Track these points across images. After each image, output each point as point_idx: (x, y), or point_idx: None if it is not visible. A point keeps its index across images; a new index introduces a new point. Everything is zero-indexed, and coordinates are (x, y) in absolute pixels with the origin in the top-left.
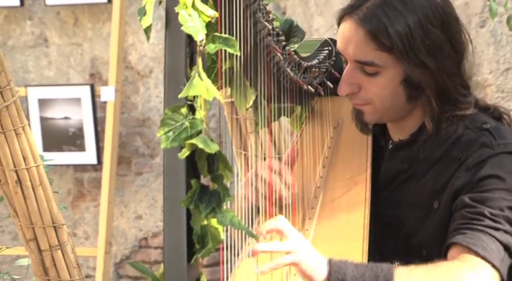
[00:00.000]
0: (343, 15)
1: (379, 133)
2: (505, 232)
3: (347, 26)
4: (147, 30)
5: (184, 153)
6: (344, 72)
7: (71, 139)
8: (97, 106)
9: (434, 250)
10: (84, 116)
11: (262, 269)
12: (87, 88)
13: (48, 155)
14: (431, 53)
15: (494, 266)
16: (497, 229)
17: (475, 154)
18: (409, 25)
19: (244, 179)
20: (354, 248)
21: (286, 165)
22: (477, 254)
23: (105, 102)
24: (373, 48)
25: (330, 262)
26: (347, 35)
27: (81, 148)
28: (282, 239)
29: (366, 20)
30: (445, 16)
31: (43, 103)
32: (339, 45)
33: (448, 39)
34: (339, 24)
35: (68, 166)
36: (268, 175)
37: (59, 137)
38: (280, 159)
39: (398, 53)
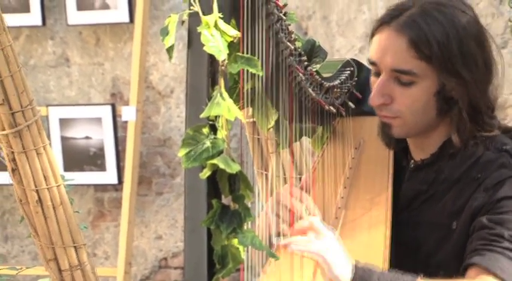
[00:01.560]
0: (380, 25)
1: (401, 153)
2: None
3: (385, 34)
4: (170, 50)
5: (206, 173)
6: (377, 82)
7: (91, 159)
8: (118, 126)
9: (452, 270)
10: (105, 136)
11: (291, 247)
12: (108, 108)
13: (69, 174)
14: (467, 65)
15: None
16: None
17: (493, 175)
18: (448, 35)
19: (265, 206)
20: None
21: (303, 188)
22: (495, 275)
23: (126, 122)
24: (413, 56)
25: (356, 267)
26: (385, 44)
27: (101, 167)
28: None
29: (407, 28)
30: (480, 30)
31: (64, 123)
32: (374, 55)
33: (482, 53)
34: (372, 35)
35: (88, 185)
36: (289, 201)
37: (80, 157)
38: (301, 179)
39: (437, 63)
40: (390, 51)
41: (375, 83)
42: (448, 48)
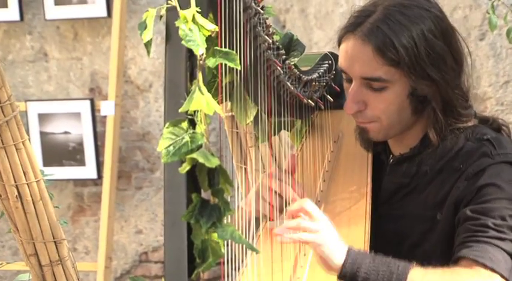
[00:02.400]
0: (345, 33)
1: (380, 147)
2: (511, 241)
3: (351, 43)
4: (148, 45)
5: (185, 167)
6: (350, 91)
7: (71, 154)
8: (97, 121)
9: (437, 261)
10: (84, 131)
11: (282, 235)
12: (87, 103)
13: (48, 169)
14: (436, 65)
15: (502, 276)
16: (502, 239)
17: (475, 164)
18: (413, 38)
19: (254, 189)
20: None
21: (286, 173)
22: (485, 266)
23: (105, 117)
24: (381, 63)
25: (349, 251)
26: (352, 53)
27: (81, 162)
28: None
29: (372, 36)
30: (446, 28)
31: (43, 118)
32: (342, 64)
33: (450, 50)
34: (339, 44)
35: (68, 180)
36: (278, 185)
37: (59, 152)
38: (279, 169)
39: (406, 67)
40: (357, 60)
41: (348, 89)
42: (415, 52)
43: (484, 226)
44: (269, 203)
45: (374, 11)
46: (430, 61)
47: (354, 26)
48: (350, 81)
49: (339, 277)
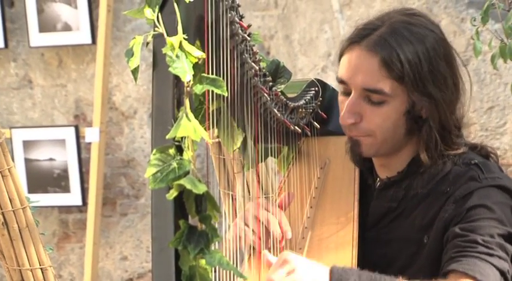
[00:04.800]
0: (350, 44)
1: (366, 171)
2: (499, 257)
3: (356, 53)
4: (135, 72)
5: (172, 194)
6: (347, 102)
7: (55, 181)
8: (82, 147)
9: None
10: (68, 158)
11: None
12: (72, 129)
13: (33, 196)
14: (437, 84)
15: None
16: (491, 255)
17: (462, 187)
18: (418, 55)
19: (237, 218)
20: None
21: (279, 207)
22: (475, 279)
23: (89, 144)
24: (385, 75)
25: (332, 270)
26: (356, 63)
27: (66, 189)
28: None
29: (379, 47)
30: (448, 49)
31: (28, 145)
32: (343, 74)
33: (451, 73)
34: (342, 55)
35: (52, 207)
36: (265, 216)
37: (44, 179)
38: (267, 199)
39: (409, 82)
40: (361, 71)
41: (344, 102)
42: (419, 68)
43: (473, 242)
44: (253, 232)
45: (381, 25)
46: (433, 80)
47: (359, 37)
48: (347, 94)
49: None
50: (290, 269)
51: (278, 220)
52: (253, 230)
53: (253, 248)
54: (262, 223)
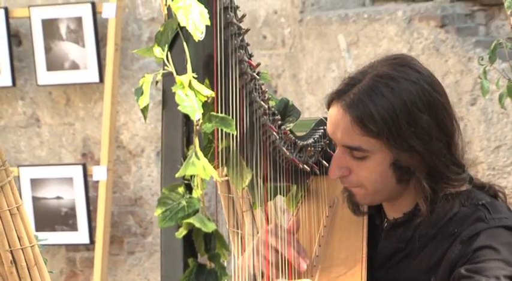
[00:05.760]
0: (332, 99)
1: (374, 211)
2: None
3: (335, 111)
4: (145, 110)
5: (182, 232)
6: (334, 156)
7: (63, 219)
8: (89, 185)
9: None
10: (76, 196)
11: None
12: (79, 168)
13: (40, 234)
14: (420, 137)
15: None
16: None
17: (469, 228)
18: (395, 111)
19: (254, 244)
20: None
21: (285, 231)
22: None
23: (97, 182)
24: (360, 133)
25: None
26: (335, 120)
27: (73, 227)
28: None
29: (353, 106)
30: (433, 101)
31: (35, 183)
32: (328, 129)
33: (436, 123)
34: (328, 108)
35: (60, 245)
36: (275, 241)
37: (51, 217)
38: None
39: (385, 138)
40: (339, 128)
41: None
42: (396, 124)
43: None
44: (266, 259)
45: (361, 80)
46: (413, 134)
47: (339, 93)
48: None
49: None
50: None
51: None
52: (267, 259)
53: (265, 274)
54: (273, 248)
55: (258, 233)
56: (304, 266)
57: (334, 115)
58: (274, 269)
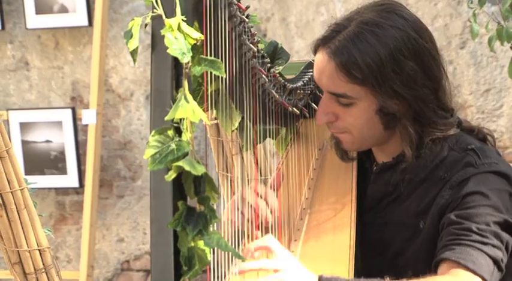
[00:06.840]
0: (318, 45)
1: (364, 155)
2: (493, 246)
3: (320, 57)
4: (134, 53)
5: (171, 175)
6: (320, 102)
7: (52, 162)
8: (78, 129)
9: (420, 269)
10: (65, 140)
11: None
12: (69, 111)
13: (30, 178)
14: (406, 83)
15: (484, 279)
16: (485, 244)
17: (459, 173)
18: (380, 57)
19: (230, 203)
20: (340, 269)
21: (271, 189)
22: (467, 268)
23: (86, 126)
24: (345, 80)
25: (321, 279)
26: (320, 67)
27: (62, 171)
28: (270, 257)
29: (337, 53)
30: (418, 47)
31: (24, 127)
32: (314, 75)
33: (422, 69)
34: (314, 54)
35: (49, 189)
36: (254, 200)
37: (41, 161)
38: (265, 181)
39: (370, 85)
40: (324, 75)
41: None
42: (381, 71)
43: (467, 230)
44: (243, 215)
45: (346, 27)
46: (399, 80)
47: (325, 40)
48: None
49: None
50: (281, 267)
51: (271, 202)
52: (242, 213)
53: (245, 232)
54: (251, 206)
55: (248, 176)
56: (271, 224)
57: (320, 62)
58: (251, 225)
